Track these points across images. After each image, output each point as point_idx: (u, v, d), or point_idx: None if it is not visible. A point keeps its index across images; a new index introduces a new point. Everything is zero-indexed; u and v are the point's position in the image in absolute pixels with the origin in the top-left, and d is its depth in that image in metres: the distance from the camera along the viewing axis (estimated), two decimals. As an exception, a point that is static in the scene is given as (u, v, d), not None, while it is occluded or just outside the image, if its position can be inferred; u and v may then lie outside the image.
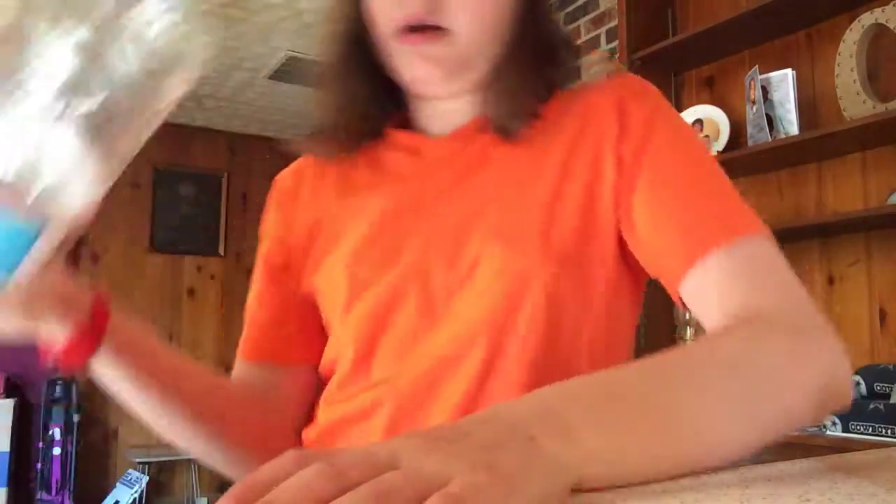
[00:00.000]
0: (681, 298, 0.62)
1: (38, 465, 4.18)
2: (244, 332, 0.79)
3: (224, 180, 5.12)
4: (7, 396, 4.11)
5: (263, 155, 5.21)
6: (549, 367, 0.63)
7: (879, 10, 2.02)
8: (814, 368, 0.51)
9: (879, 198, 2.08)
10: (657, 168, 0.64)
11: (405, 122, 0.77)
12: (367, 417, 0.66)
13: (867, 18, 2.05)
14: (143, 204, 4.87)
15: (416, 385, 0.64)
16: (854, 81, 2.06)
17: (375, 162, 0.75)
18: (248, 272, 0.76)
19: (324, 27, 0.76)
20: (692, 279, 0.60)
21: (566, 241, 0.65)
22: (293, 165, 0.83)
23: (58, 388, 4.29)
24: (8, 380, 4.18)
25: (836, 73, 2.12)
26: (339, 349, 0.70)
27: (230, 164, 5.17)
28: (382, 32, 0.68)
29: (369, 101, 0.74)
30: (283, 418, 0.77)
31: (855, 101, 2.05)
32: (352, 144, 0.74)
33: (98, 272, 4.69)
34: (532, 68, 0.70)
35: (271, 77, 4.03)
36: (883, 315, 2.08)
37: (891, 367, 1.96)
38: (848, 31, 2.09)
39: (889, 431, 1.82)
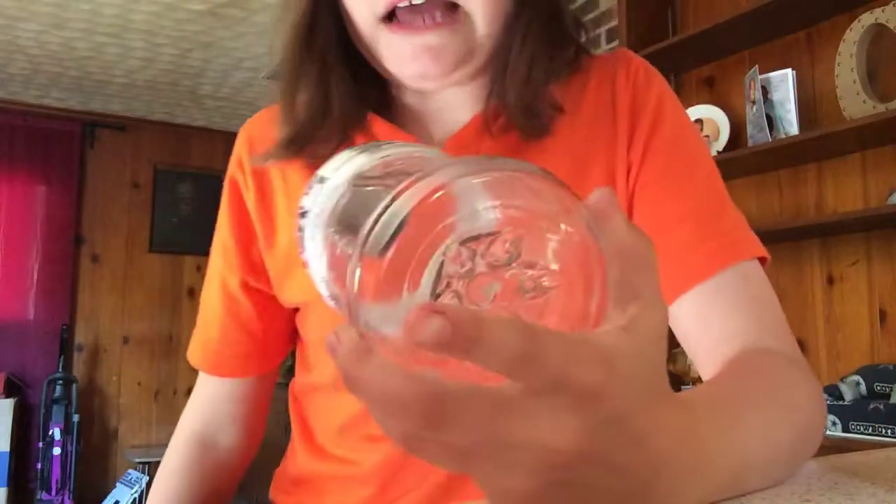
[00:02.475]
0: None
1: (38, 465, 4.18)
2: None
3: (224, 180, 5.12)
4: (7, 396, 4.11)
5: (263, 155, 5.21)
6: None
7: (879, 10, 2.02)
8: (824, 413, 0.50)
9: (879, 198, 2.08)
10: (657, 172, 0.61)
11: (381, 105, 0.65)
12: None
13: (867, 18, 2.04)
14: (143, 204, 4.87)
15: None
16: (854, 81, 2.06)
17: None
18: (248, 272, 0.75)
19: (283, 17, 0.61)
20: (688, 301, 0.56)
21: None
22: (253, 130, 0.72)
23: (58, 388, 4.28)
24: (8, 380, 4.18)
25: (836, 73, 2.12)
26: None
27: (230, 164, 5.17)
28: (365, 18, 0.57)
29: (350, 97, 0.62)
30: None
31: (855, 101, 2.05)
32: (333, 145, 0.61)
33: (98, 272, 4.69)
34: (545, 48, 0.60)
35: (271, 77, 4.03)
36: (883, 315, 2.08)
37: (891, 366, 1.96)
38: (848, 31, 2.09)
39: (889, 431, 1.81)
